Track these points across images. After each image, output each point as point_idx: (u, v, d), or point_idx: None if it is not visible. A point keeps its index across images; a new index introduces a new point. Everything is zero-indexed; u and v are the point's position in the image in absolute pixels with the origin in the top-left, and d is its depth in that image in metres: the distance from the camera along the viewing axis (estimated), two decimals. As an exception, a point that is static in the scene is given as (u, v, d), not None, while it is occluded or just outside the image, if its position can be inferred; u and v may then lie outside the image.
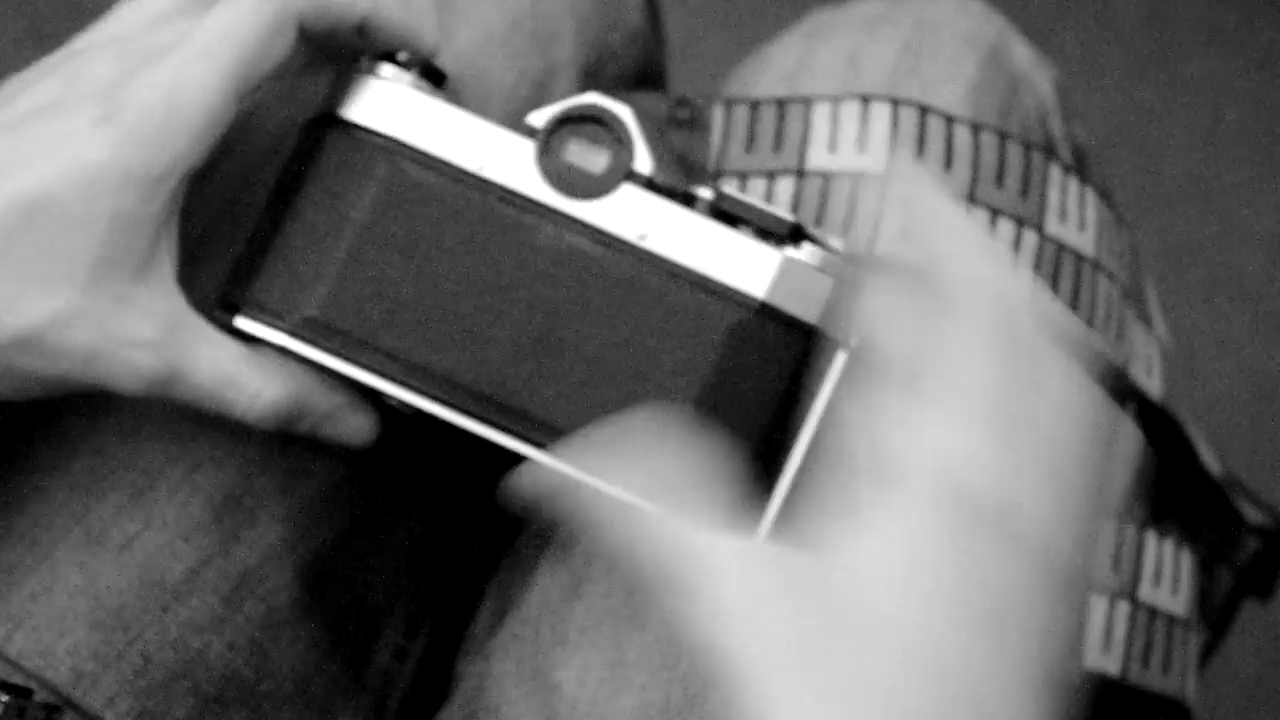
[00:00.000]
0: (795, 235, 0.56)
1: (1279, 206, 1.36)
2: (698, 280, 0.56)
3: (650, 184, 0.56)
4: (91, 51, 0.54)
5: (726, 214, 0.56)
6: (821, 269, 0.56)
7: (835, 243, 0.56)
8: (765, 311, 0.55)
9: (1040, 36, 0.75)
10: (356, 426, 0.59)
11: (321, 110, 0.58)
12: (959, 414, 0.46)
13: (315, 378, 0.57)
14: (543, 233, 0.56)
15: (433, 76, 0.58)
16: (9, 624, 0.57)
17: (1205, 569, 0.70)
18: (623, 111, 0.57)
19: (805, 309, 0.55)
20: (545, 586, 0.61)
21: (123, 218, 0.52)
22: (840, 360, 0.56)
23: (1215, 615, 0.71)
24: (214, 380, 0.55)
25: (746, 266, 0.55)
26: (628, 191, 0.56)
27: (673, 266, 0.56)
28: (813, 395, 0.56)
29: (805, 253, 0.56)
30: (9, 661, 0.56)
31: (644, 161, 0.56)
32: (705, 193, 0.57)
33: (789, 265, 0.55)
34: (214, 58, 0.53)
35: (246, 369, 0.56)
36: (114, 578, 0.58)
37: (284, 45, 0.55)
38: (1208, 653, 0.70)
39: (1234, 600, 0.71)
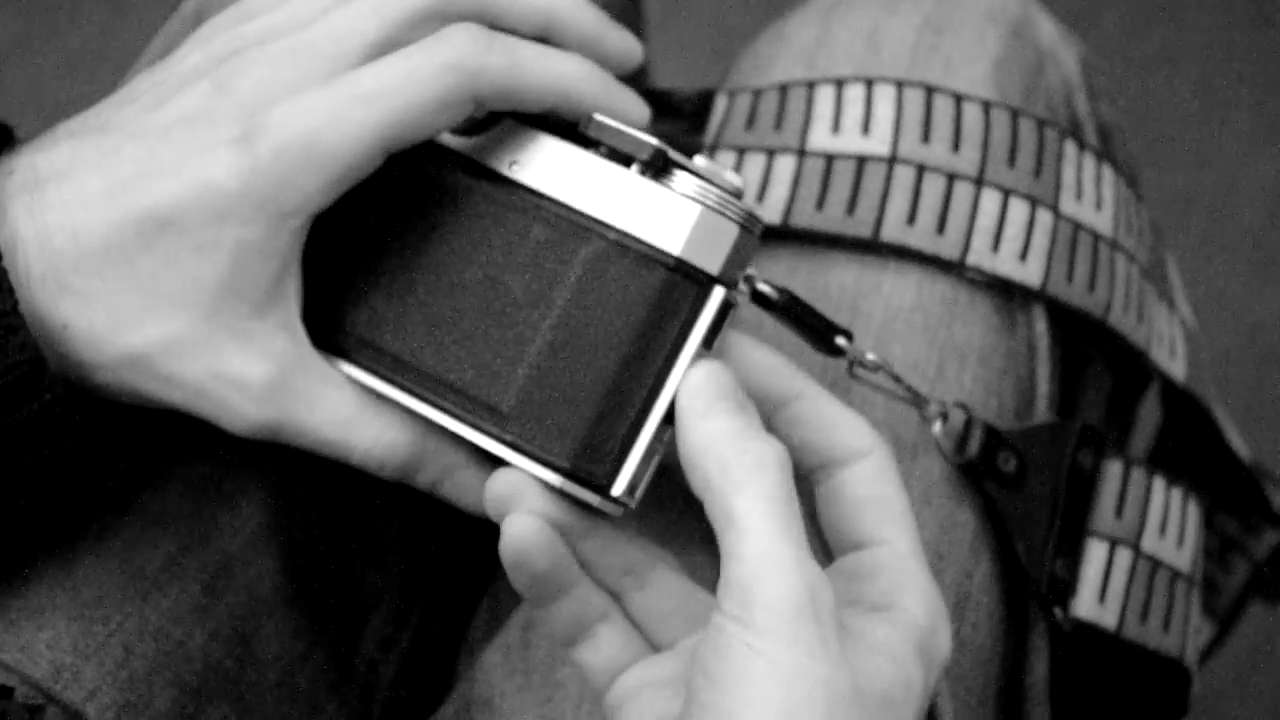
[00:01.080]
0: (663, 161, 0.52)
1: (1277, 158, 1.36)
2: (560, 210, 0.53)
3: (532, 119, 0.54)
4: (249, 52, 0.52)
5: (593, 141, 0.53)
6: (690, 196, 0.52)
7: (727, 177, 0.52)
8: (622, 242, 0.52)
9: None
10: (476, 487, 0.56)
11: None
12: None
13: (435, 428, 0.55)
14: (426, 170, 0.55)
15: None
16: (-14, 617, 0.56)
17: (1218, 559, 0.69)
18: None
19: (668, 238, 0.52)
20: None
21: (247, 248, 0.51)
22: (717, 297, 0.52)
23: (1225, 610, 0.70)
24: (331, 425, 0.54)
25: (609, 194, 0.53)
26: (507, 125, 0.55)
27: (537, 196, 0.53)
28: (681, 334, 0.52)
29: (676, 181, 0.52)
30: None
31: None
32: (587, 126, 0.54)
33: (652, 192, 0.52)
34: (372, 109, 0.51)
35: (367, 414, 0.54)
36: (92, 567, 0.57)
37: (451, 119, 0.53)
38: (1210, 649, 0.69)
39: (1244, 597, 0.70)
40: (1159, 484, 0.63)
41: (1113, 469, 0.62)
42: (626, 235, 0.52)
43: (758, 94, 0.65)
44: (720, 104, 0.65)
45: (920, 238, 0.61)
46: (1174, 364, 0.67)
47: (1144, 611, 0.62)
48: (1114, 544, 0.61)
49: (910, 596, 0.50)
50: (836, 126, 0.63)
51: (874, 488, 0.52)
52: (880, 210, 0.61)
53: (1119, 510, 0.62)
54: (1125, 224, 0.65)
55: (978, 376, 0.61)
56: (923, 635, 0.50)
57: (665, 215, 0.52)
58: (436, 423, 0.54)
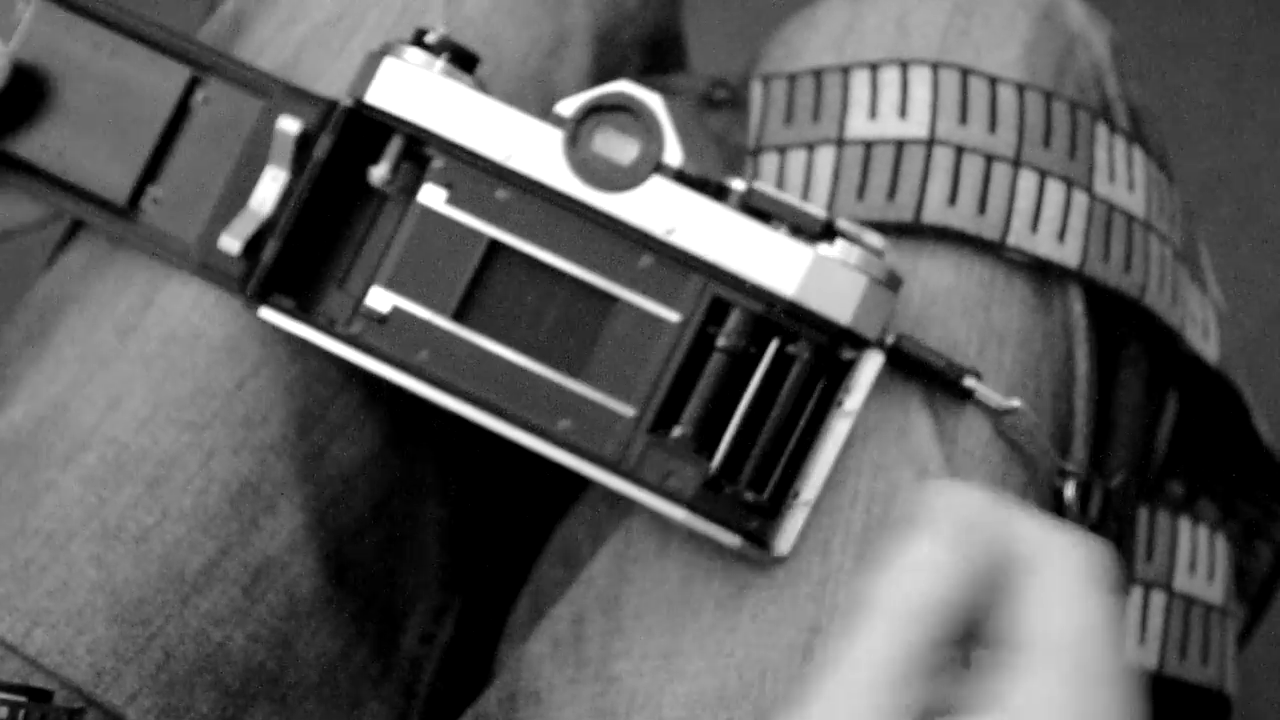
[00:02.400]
0: (828, 232, 0.55)
1: (1305, 142, 1.35)
2: (725, 277, 0.55)
3: (680, 176, 0.56)
4: None
5: (757, 210, 0.55)
6: (856, 267, 0.55)
7: (872, 239, 0.56)
8: (794, 310, 0.55)
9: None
10: None
11: (352, 96, 0.57)
12: None
13: None
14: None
15: (464, 61, 0.58)
16: (28, 621, 0.56)
17: (1243, 545, 0.70)
18: (653, 101, 0.56)
19: (837, 308, 0.55)
20: (590, 576, 0.61)
21: None
22: (876, 361, 0.56)
23: (1254, 593, 0.70)
24: None
25: (775, 264, 0.55)
26: (656, 184, 0.56)
27: (699, 263, 0.55)
28: (840, 398, 0.56)
29: (838, 250, 0.55)
30: (28, 660, 0.56)
31: (674, 153, 0.56)
32: (738, 184, 0.56)
33: (820, 263, 0.55)
34: None
35: None
36: (132, 571, 0.58)
37: None
38: (1246, 631, 0.70)
39: (1274, 578, 0.71)
40: (1185, 524, 0.65)
41: (1139, 515, 0.64)
42: (797, 304, 0.55)
43: (793, 80, 0.65)
44: (756, 92, 0.65)
45: (962, 218, 0.61)
46: (1207, 345, 0.67)
47: (1182, 648, 0.64)
48: (1148, 587, 0.63)
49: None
50: (874, 111, 0.63)
51: None
52: (921, 193, 0.61)
53: (1149, 554, 0.64)
54: (1157, 206, 0.65)
55: (1016, 359, 0.61)
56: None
57: (836, 284, 0.55)
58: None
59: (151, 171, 0.60)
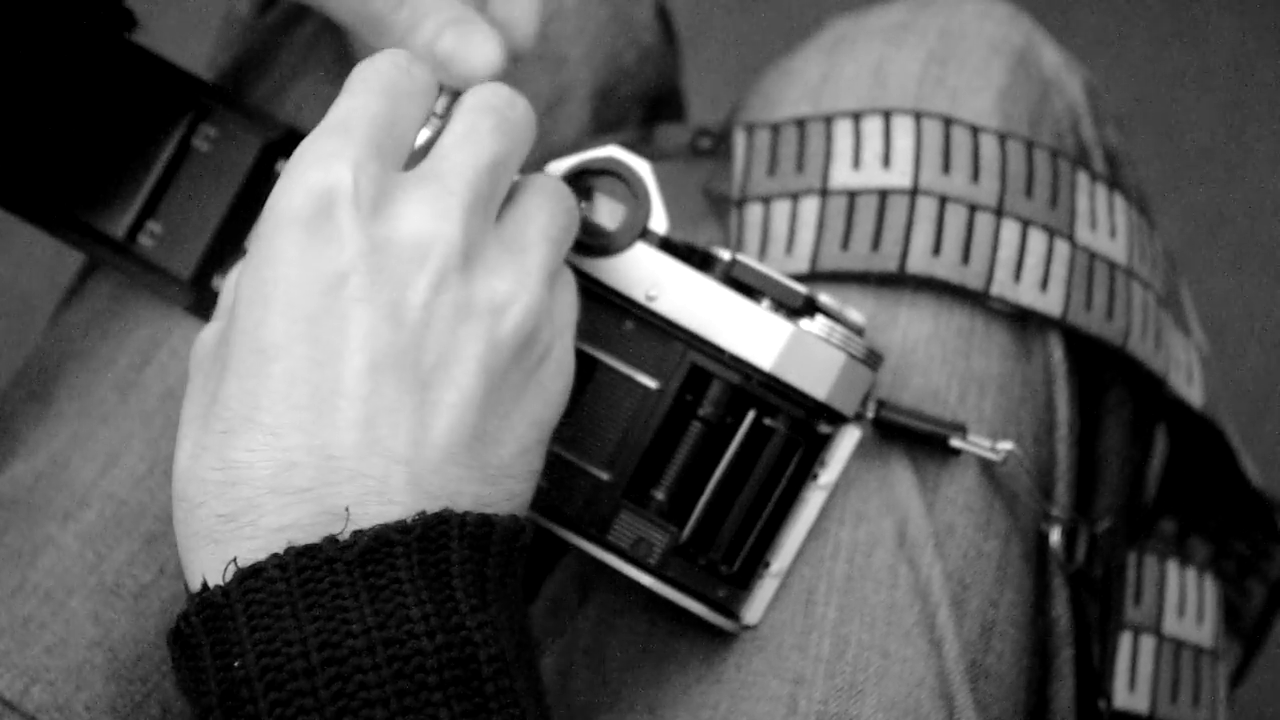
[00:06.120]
0: (809, 308, 0.56)
1: (1306, 174, 1.35)
2: (705, 346, 0.55)
3: (665, 244, 0.56)
4: None
5: (739, 282, 0.56)
6: (835, 344, 0.55)
7: (853, 316, 0.56)
8: (771, 383, 0.55)
9: (1063, 5, 0.73)
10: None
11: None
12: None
13: None
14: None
15: None
16: (26, 678, 0.57)
17: (1236, 582, 0.70)
18: (641, 167, 0.56)
19: (814, 383, 0.55)
20: (577, 628, 0.61)
21: None
22: (853, 436, 0.56)
23: (1248, 632, 0.70)
24: None
25: (755, 336, 0.55)
26: (641, 250, 0.56)
27: (679, 331, 0.56)
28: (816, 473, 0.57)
29: (819, 326, 0.55)
30: (26, 717, 0.56)
31: (660, 220, 0.56)
32: (723, 254, 0.56)
33: (799, 338, 0.55)
34: None
35: None
36: (129, 628, 0.58)
37: None
38: (1240, 671, 0.70)
39: (1267, 616, 0.71)
40: (1173, 567, 0.65)
41: (1128, 559, 0.64)
42: (774, 377, 0.55)
43: (776, 130, 0.65)
44: (739, 142, 0.65)
45: (946, 268, 0.61)
46: (1191, 390, 0.67)
47: (1174, 692, 0.64)
48: (1137, 631, 0.64)
49: None
50: (857, 161, 0.63)
51: None
52: (905, 243, 0.61)
53: (1138, 598, 0.64)
54: (1139, 252, 0.65)
55: (997, 405, 0.61)
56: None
57: (813, 360, 0.55)
58: None
59: (151, 207, 0.61)
